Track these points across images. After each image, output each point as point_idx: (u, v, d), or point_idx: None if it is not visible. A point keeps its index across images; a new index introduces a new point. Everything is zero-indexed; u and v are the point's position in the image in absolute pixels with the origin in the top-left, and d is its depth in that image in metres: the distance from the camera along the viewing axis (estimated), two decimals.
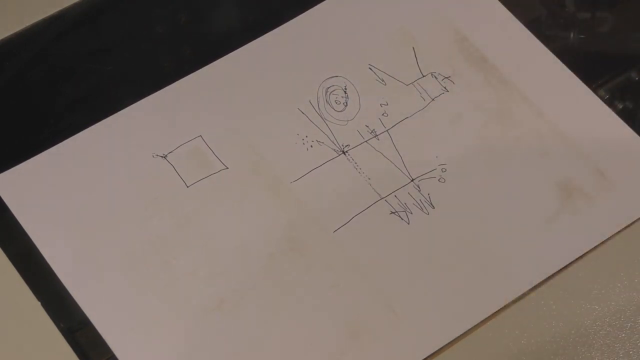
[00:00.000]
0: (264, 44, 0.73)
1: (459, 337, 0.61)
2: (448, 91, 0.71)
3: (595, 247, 0.65)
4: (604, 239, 0.65)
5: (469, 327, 0.62)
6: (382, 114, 0.70)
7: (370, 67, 0.72)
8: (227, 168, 0.67)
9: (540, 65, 0.73)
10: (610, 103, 0.83)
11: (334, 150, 0.69)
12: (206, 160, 0.67)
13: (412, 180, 0.67)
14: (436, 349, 0.61)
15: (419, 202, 0.66)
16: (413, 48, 0.73)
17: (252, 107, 0.70)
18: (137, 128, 0.68)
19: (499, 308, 0.62)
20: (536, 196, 0.67)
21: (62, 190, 0.65)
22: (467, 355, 0.61)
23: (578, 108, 0.71)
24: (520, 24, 0.75)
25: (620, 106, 0.84)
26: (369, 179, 0.67)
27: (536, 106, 0.71)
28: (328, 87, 0.71)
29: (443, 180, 0.67)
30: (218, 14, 0.82)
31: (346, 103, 0.71)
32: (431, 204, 0.66)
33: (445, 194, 0.67)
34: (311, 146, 0.69)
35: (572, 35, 0.88)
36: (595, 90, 0.81)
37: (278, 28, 0.74)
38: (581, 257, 0.64)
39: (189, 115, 0.69)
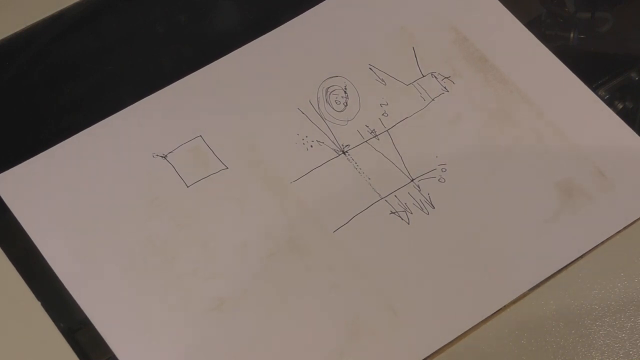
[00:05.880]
0: (264, 44, 0.73)
1: (459, 337, 0.61)
2: (448, 91, 0.71)
3: (595, 247, 0.65)
4: (604, 239, 0.65)
5: (469, 327, 0.62)
6: (382, 114, 0.70)
7: (370, 67, 0.72)
8: (227, 168, 0.67)
9: (540, 65, 0.73)
10: (610, 103, 0.83)
11: (334, 150, 0.69)
12: (206, 160, 0.67)
13: (412, 180, 0.67)
14: (436, 349, 0.61)
15: (419, 202, 0.66)
16: (413, 48, 0.73)
17: (252, 107, 0.70)
18: (137, 128, 0.68)
19: (499, 308, 0.62)
20: (536, 196, 0.67)
21: (62, 190, 0.65)
22: (467, 355, 0.61)
23: (578, 108, 0.71)
24: (520, 24, 0.75)
25: (620, 106, 0.84)
26: (369, 179, 0.67)
27: (536, 106, 0.71)
28: (328, 87, 0.71)
29: (443, 180, 0.67)
30: (218, 14, 0.82)
31: (346, 103, 0.71)
32: (431, 204, 0.66)
33: (445, 194, 0.67)
34: (311, 146, 0.69)
35: (572, 35, 0.88)
36: (595, 90, 0.81)
37: (278, 28, 0.74)
38: (581, 257, 0.64)
39: (189, 115, 0.69)
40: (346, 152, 0.68)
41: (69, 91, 0.77)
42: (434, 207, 0.66)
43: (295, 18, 0.74)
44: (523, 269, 0.64)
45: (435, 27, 0.74)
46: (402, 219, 0.66)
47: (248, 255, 0.64)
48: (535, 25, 0.88)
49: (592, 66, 0.85)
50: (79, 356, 0.59)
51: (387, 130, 0.70)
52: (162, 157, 0.67)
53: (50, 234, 0.63)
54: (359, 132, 0.69)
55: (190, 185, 0.66)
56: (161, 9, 0.80)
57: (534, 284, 0.63)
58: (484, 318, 0.62)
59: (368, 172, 0.68)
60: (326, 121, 0.70)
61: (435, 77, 0.72)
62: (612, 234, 0.65)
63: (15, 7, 0.71)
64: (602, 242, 0.65)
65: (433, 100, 0.71)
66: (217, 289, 0.62)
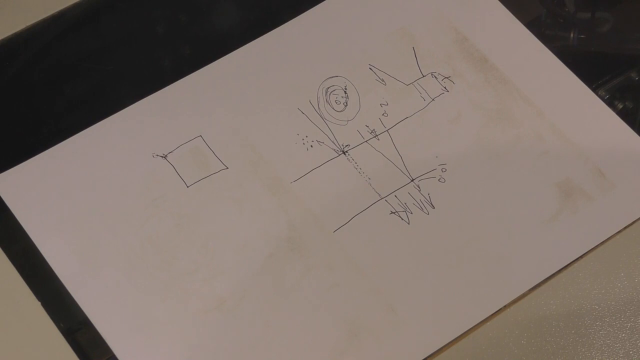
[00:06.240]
0: (264, 44, 0.73)
1: (459, 337, 0.61)
2: (448, 91, 0.71)
3: (595, 247, 0.65)
4: (604, 239, 0.65)
5: (469, 327, 0.62)
6: (382, 114, 0.70)
7: (370, 67, 0.72)
8: (227, 168, 0.67)
9: (540, 65, 0.73)
10: (610, 103, 0.83)
11: (334, 150, 0.69)
12: (206, 160, 0.67)
13: (412, 180, 0.67)
14: (436, 349, 0.61)
15: (419, 202, 0.66)
16: (413, 48, 0.73)
17: (252, 107, 0.70)
18: (137, 128, 0.68)
19: (499, 308, 0.62)
20: (536, 196, 0.67)
21: (62, 190, 0.65)
22: (467, 355, 0.61)
23: (578, 108, 0.71)
24: (520, 24, 0.75)
25: (620, 106, 0.84)
26: (369, 179, 0.67)
27: (536, 106, 0.71)
28: (328, 87, 0.71)
29: (443, 180, 0.67)
30: (218, 14, 0.82)
31: (346, 103, 0.71)
32: (431, 204, 0.66)
33: (445, 194, 0.67)
34: (311, 146, 0.69)
35: (572, 35, 0.88)
36: (595, 90, 0.81)
37: (278, 28, 0.74)
38: (581, 257, 0.64)
39: (189, 115, 0.69)
40: (346, 152, 0.69)
41: (69, 91, 0.77)
42: (434, 207, 0.66)
43: (295, 18, 0.74)
44: (523, 269, 0.64)
45: (435, 27, 0.74)
46: (402, 219, 0.66)
47: (248, 255, 0.64)
48: (535, 25, 0.88)
49: (592, 66, 0.85)
50: (79, 356, 0.59)
51: (387, 130, 0.70)
52: (162, 157, 0.67)
53: (50, 234, 0.63)
54: (359, 132, 0.69)
55: (190, 185, 0.66)
56: (161, 9, 0.80)
57: (534, 284, 0.63)
58: (484, 318, 0.62)
59: (368, 172, 0.68)
60: (326, 121, 0.70)
61: (435, 77, 0.72)
62: (612, 234, 0.65)
63: (15, 7, 0.71)
64: (602, 242, 0.65)
65: (433, 100, 0.71)
66: (217, 289, 0.62)
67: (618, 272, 0.64)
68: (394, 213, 0.66)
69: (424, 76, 0.72)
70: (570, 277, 0.64)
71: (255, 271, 0.63)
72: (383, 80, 0.72)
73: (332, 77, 0.72)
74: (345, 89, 0.71)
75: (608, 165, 0.68)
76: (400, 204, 0.66)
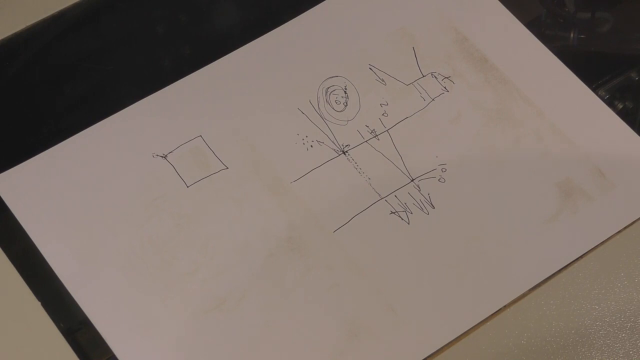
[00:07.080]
0: (264, 44, 0.73)
1: (459, 337, 0.61)
2: (448, 91, 0.71)
3: (595, 247, 0.65)
4: (604, 239, 0.65)
5: (469, 327, 0.62)
6: (382, 114, 0.70)
7: (370, 67, 0.72)
8: (227, 168, 0.67)
9: (540, 65, 0.73)
10: (610, 103, 0.83)
11: (334, 150, 0.69)
12: (206, 160, 0.67)
13: (412, 180, 0.67)
14: (436, 349, 0.61)
15: (419, 202, 0.66)
16: (413, 48, 0.73)
17: (252, 107, 0.70)
18: (137, 128, 0.68)
19: (499, 308, 0.62)
20: (536, 196, 0.67)
21: (62, 190, 0.65)
22: (467, 355, 0.61)
23: (578, 108, 0.71)
24: (520, 24, 0.75)
25: (620, 106, 0.84)
26: (369, 179, 0.67)
27: (536, 106, 0.71)
28: (328, 87, 0.71)
29: (443, 180, 0.67)
30: (218, 14, 0.82)
31: (346, 103, 0.71)
32: (431, 204, 0.66)
33: (445, 194, 0.67)
34: (311, 146, 0.69)
35: (572, 35, 0.88)
36: (595, 90, 0.81)
37: (278, 28, 0.74)
38: (581, 257, 0.64)
39: (189, 115, 0.69)
40: (346, 152, 0.69)
41: (69, 91, 0.77)
42: (434, 207, 0.66)
43: (295, 18, 0.74)
44: (523, 269, 0.64)
45: (435, 27, 0.74)
46: (402, 219, 0.66)
47: (248, 255, 0.64)
48: (535, 25, 0.88)
49: (592, 66, 0.85)
50: (79, 356, 0.59)
51: (387, 130, 0.70)
52: (162, 157, 0.67)
53: (50, 234, 0.63)
54: (359, 132, 0.69)
55: (190, 185, 0.66)
56: (161, 9, 0.80)
57: (534, 284, 0.63)
58: (484, 318, 0.62)
59: (368, 172, 0.68)
60: (326, 121, 0.70)
61: (435, 77, 0.72)
62: (612, 234, 0.65)
63: (15, 7, 0.71)
64: (602, 242, 0.65)
65: (433, 100, 0.71)
66: (217, 289, 0.62)
67: (618, 272, 0.64)
68: (394, 213, 0.66)
69: (424, 76, 0.72)
70: (570, 277, 0.64)
71: (255, 271, 0.63)
72: (383, 80, 0.72)
73: (332, 77, 0.72)
74: (345, 89, 0.71)
75: (608, 165, 0.68)
76: (400, 204, 0.66)
